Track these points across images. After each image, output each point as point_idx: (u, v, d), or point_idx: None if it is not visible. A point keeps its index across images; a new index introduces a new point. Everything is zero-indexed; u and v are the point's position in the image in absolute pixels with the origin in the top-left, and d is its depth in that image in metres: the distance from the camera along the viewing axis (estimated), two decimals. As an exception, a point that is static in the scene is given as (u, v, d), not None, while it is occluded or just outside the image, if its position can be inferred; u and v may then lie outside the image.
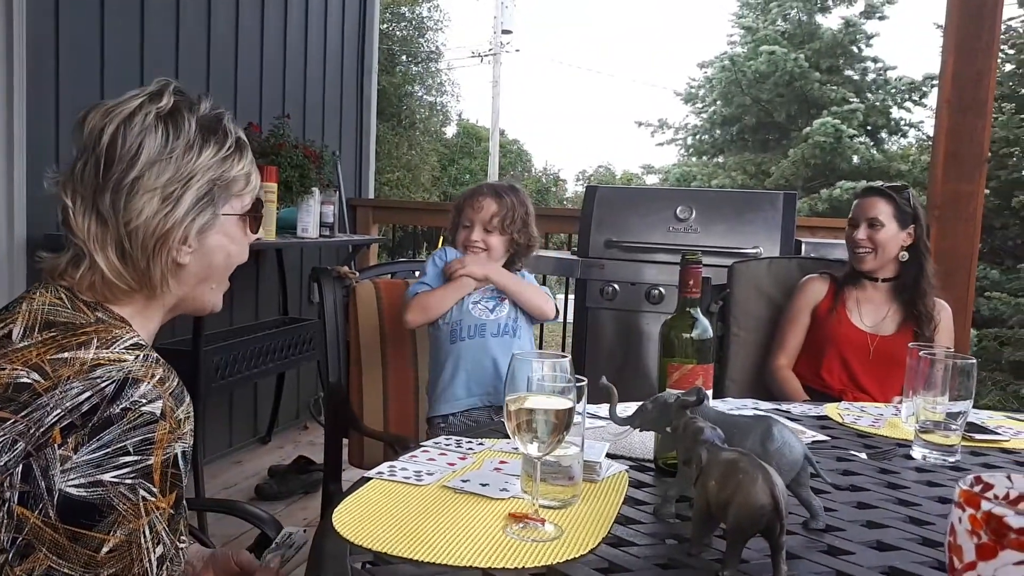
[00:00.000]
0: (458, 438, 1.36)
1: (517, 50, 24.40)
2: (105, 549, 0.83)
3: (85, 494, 0.82)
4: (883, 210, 2.23)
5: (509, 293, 1.99)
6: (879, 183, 2.39)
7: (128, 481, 0.83)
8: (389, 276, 2.34)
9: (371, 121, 4.81)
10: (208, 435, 3.33)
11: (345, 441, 2.18)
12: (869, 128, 12.62)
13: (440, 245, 2.66)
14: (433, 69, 18.09)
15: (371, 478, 1.15)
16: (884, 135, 12.96)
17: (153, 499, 0.85)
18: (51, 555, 0.82)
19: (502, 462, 1.24)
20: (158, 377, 0.88)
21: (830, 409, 1.73)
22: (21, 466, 0.81)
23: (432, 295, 1.96)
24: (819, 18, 13.73)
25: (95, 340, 0.88)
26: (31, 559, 0.82)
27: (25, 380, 0.84)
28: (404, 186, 16.22)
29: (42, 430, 0.82)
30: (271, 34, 3.81)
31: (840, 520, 1.07)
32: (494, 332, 1.96)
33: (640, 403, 1.13)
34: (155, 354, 0.92)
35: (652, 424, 1.10)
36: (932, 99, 12.84)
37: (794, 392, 2.25)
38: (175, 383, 0.90)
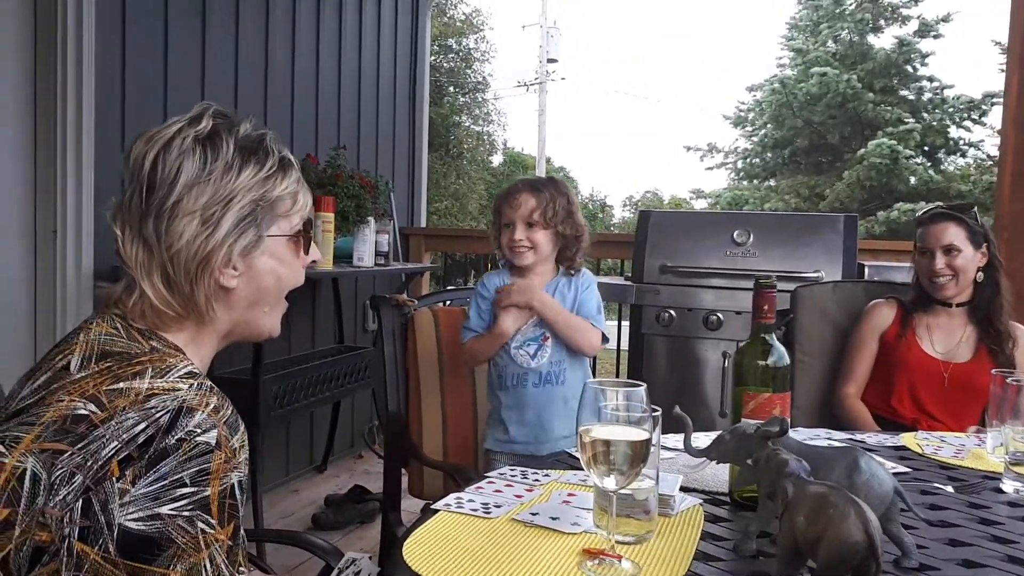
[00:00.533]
0: (523, 469, 1.33)
1: (563, 78, 24.51)
2: None
3: (144, 528, 0.81)
4: (956, 234, 2.15)
5: (550, 323, 1.88)
6: (940, 205, 2.29)
7: (186, 513, 0.82)
8: (443, 304, 2.34)
9: (423, 151, 4.85)
10: (266, 464, 3.35)
11: (403, 470, 2.16)
12: (926, 148, 12.33)
13: (488, 269, 2.57)
14: (480, 99, 18.30)
15: (438, 510, 1.13)
16: (942, 155, 12.63)
17: (212, 531, 0.84)
18: None
19: (570, 495, 1.20)
20: (212, 406, 0.87)
21: (907, 439, 1.66)
22: (81, 501, 0.80)
23: (478, 344, 1.92)
24: (871, 38, 13.53)
25: (150, 369, 0.88)
26: None
27: (83, 412, 0.84)
28: (452, 215, 16.36)
29: (100, 463, 0.81)
30: (326, 68, 3.88)
31: (933, 558, 1.01)
32: (535, 382, 1.90)
33: (716, 434, 1.09)
34: (209, 382, 0.92)
35: (730, 456, 1.06)
36: (992, 117, 12.52)
37: (864, 422, 2.17)
38: (229, 411, 0.89)
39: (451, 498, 1.18)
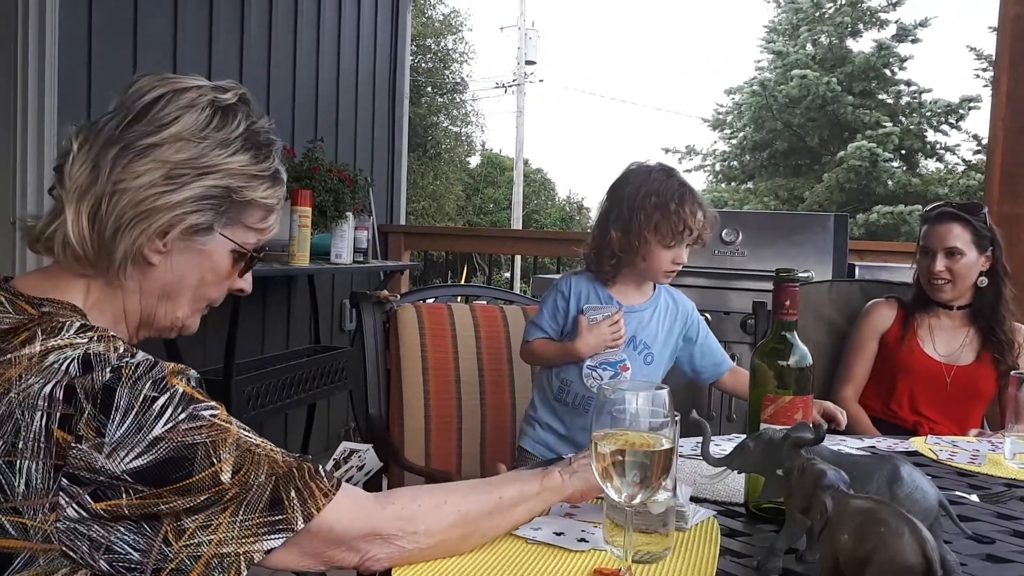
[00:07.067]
0: (520, 477, 1.23)
1: (541, 80, 24.54)
2: (225, 476, 0.75)
3: (152, 458, 0.73)
4: (961, 237, 2.06)
5: None
6: (949, 203, 2.18)
7: (182, 416, 0.75)
8: (426, 300, 2.22)
9: (403, 148, 4.75)
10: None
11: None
12: (904, 152, 12.41)
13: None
14: (458, 100, 18.22)
15: (430, 525, 1.02)
16: (920, 158, 12.73)
17: (218, 411, 0.78)
18: (177, 511, 0.74)
19: (573, 506, 1.10)
20: (122, 348, 0.79)
21: (919, 444, 1.58)
22: (62, 478, 0.72)
23: (547, 349, 1.70)
24: (850, 42, 13.62)
25: (39, 332, 0.78)
26: (163, 522, 0.74)
27: None
28: (430, 215, 16.25)
29: (40, 442, 0.72)
30: (303, 61, 3.76)
31: (976, 578, 0.92)
32: None
33: (734, 439, 1.00)
34: (110, 332, 0.82)
35: (755, 466, 0.96)
36: (969, 122, 12.62)
37: (864, 427, 2.09)
38: (140, 354, 0.81)
39: (443, 511, 1.07)
